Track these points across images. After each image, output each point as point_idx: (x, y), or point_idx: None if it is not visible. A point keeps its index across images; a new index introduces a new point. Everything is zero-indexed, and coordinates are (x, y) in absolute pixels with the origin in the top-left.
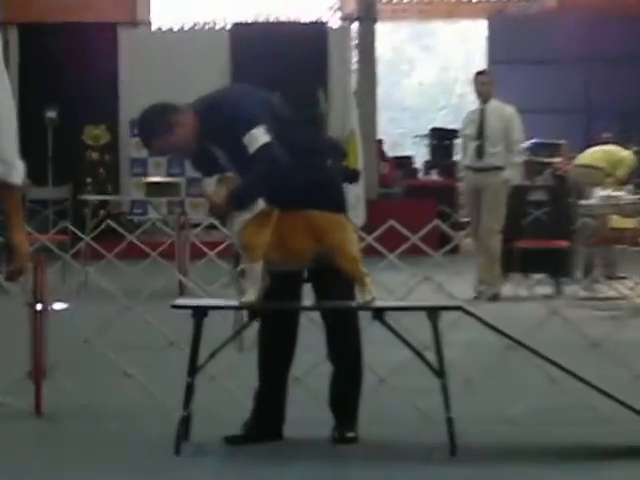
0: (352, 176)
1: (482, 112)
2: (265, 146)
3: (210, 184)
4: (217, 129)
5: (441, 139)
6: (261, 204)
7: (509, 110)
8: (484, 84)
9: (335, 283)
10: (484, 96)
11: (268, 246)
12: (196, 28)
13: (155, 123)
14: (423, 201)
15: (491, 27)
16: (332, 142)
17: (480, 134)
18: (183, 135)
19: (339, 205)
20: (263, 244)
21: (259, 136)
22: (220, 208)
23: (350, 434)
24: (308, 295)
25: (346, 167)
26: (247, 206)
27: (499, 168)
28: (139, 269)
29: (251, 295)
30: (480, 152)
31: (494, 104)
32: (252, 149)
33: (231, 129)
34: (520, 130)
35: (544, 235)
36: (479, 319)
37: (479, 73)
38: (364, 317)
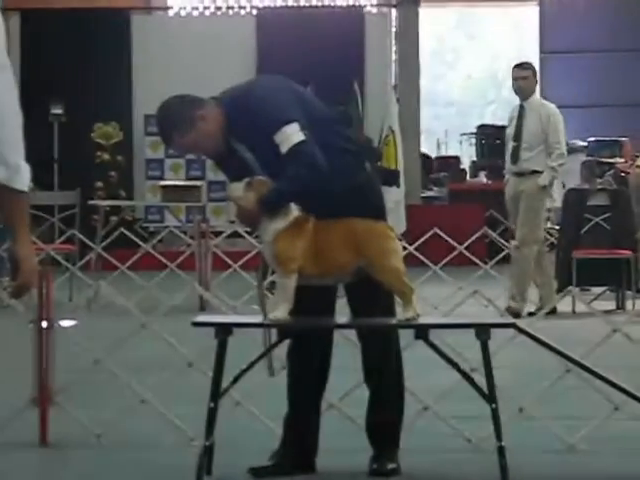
0: (391, 178)
1: (521, 110)
2: (300, 145)
3: (237, 188)
4: (245, 125)
5: (490, 137)
6: (295, 211)
7: (549, 109)
8: (524, 79)
9: (373, 298)
10: (524, 92)
11: (303, 259)
12: (218, 13)
13: (176, 117)
14: (470, 206)
15: (543, 12)
16: (367, 142)
17: (517, 135)
18: (207, 131)
19: (379, 212)
20: (298, 256)
21: (293, 134)
22: (250, 214)
23: (391, 465)
24: (342, 310)
25: (384, 168)
26: (280, 212)
27: (537, 172)
28: (155, 282)
29: (282, 312)
30: (515, 155)
31: (535, 102)
32: (285, 148)
33: (261, 126)
34: (560, 131)
35: (605, 244)
36: (534, 338)
37: (517, 66)
38: (406, 336)
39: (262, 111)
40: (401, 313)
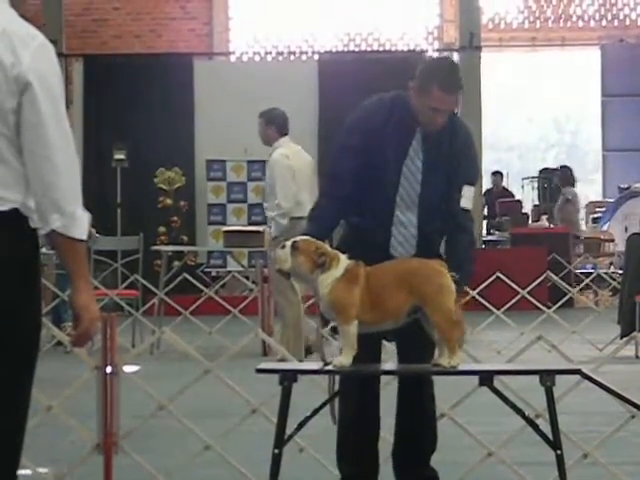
0: None
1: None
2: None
3: (285, 257)
4: (459, 150)
5: (552, 181)
6: (346, 260)
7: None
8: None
9: (416, 343)
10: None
11: (360, 307)
12: (280, 59)
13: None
14: (533, 250)
15: (604, 56)
16: None
17: None
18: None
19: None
20: (356, 302)
21: (472, 197)
22: (306, 279)
23: None
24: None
25: None
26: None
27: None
28: (218, 327)
29: (347, 358)
30: None
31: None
32: (466, 205)
33: (471, 166)
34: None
35: None
36: (599, 384)
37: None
38: (470, 382)
39: (474, 153)
40: (445, 360)
